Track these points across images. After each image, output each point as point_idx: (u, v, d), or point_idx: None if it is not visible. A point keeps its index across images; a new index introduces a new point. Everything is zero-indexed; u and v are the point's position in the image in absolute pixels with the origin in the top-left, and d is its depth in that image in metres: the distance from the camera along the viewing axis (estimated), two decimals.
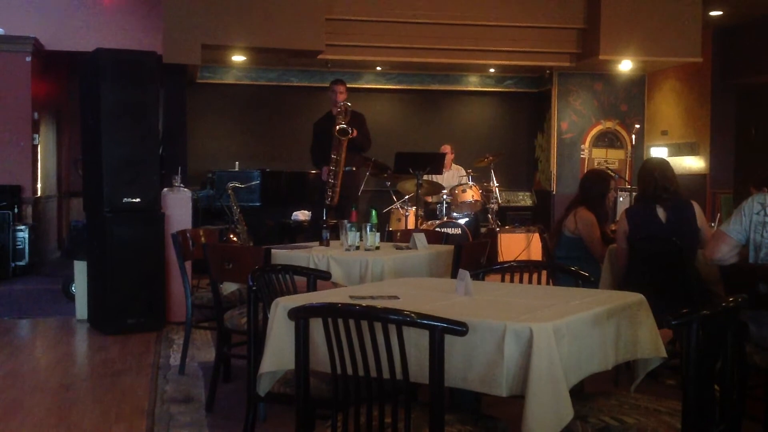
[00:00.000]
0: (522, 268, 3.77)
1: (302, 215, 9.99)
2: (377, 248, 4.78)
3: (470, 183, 9.48)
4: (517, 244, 9.55)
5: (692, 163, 11.50)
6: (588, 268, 3.82)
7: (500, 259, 9.08)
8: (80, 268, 6.72)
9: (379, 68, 12.02)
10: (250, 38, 9.62)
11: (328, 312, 2.43)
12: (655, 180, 4.80)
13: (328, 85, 8.42)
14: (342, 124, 7.79)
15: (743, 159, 11.05)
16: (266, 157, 11.52)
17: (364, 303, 2.57)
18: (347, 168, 7.97)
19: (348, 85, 8.39)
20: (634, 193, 8.31)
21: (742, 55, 10.94)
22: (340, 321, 2.38)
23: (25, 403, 4.50)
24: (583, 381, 2.71)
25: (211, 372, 4.49)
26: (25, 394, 4.68)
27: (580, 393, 2.85)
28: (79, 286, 6.73)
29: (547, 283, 3.88)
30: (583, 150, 11.78)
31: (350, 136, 7.83)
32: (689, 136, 11.58)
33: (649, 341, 2.95)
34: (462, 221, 9.30)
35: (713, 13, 10.44)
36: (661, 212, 4.78)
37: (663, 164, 4.96)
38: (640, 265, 4.71)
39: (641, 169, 5.04)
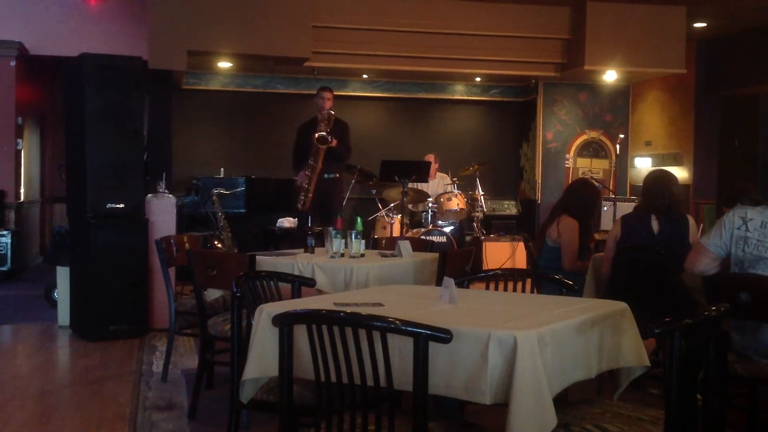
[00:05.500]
0: (506, 276, 3.78)
1: (287, 222, 9.97)
2: (362, 255, 4.77)
3: (455, 191, 9.50)
4: (502, 253, 9.57)
5: (675, 174, 11.56)
6: (570, 277, 3.82)
7: (485, 267, 9.09)
8: (63, 274, 6.67)
9: (365, 76, 12.04)
10: (236, 45, 9.61)
11: (313, 319, 2.42)
12: (661, 197, 4.84)
13: (315, 92, 8.44)
14: (322, 132, 7.77)
15: (726, 170, 11.13)
16: (251, 164, 11.49)
17: (348, 310, 2.56)
18: (328, 175, 7.97)
19: (334, 93, 8.41)
20: (618, 203, 8.34)
21: (726, 67, 11.03)
22: (324, 328, 2.37)
23: (6, 409, 4.46)
24: (566, 389, 2.71)
25: (193, 379, 4.47)
26: (6, 400, 4.64)
27: (563, 401, 2.85)
28: (62, 292, 6.68)
29: (531, 292, 3.88)
30: (568, 159, 11.82)
31: (329, 145, 7.80)
32: (673, 147, 11.66)
33: (632, 350, 2.96)
34: (447, 229, 9.31)
35: (697, 25, 10.52)
36: (655, 223, 4.83)
37: (671, 181, 5.00)
38: (623, 273, 4.74)
39: (650, 181, 5.05)
